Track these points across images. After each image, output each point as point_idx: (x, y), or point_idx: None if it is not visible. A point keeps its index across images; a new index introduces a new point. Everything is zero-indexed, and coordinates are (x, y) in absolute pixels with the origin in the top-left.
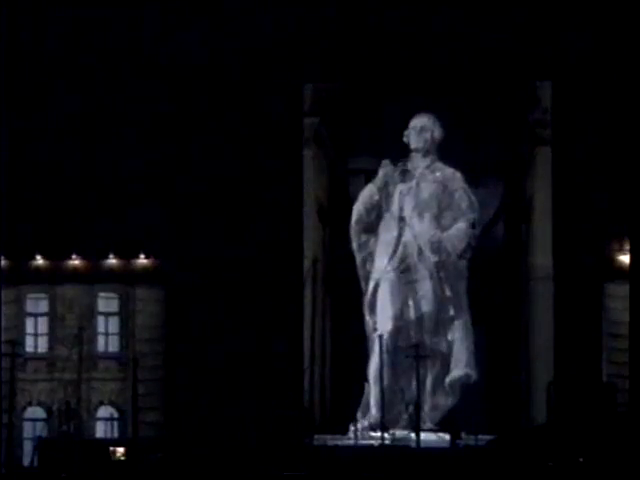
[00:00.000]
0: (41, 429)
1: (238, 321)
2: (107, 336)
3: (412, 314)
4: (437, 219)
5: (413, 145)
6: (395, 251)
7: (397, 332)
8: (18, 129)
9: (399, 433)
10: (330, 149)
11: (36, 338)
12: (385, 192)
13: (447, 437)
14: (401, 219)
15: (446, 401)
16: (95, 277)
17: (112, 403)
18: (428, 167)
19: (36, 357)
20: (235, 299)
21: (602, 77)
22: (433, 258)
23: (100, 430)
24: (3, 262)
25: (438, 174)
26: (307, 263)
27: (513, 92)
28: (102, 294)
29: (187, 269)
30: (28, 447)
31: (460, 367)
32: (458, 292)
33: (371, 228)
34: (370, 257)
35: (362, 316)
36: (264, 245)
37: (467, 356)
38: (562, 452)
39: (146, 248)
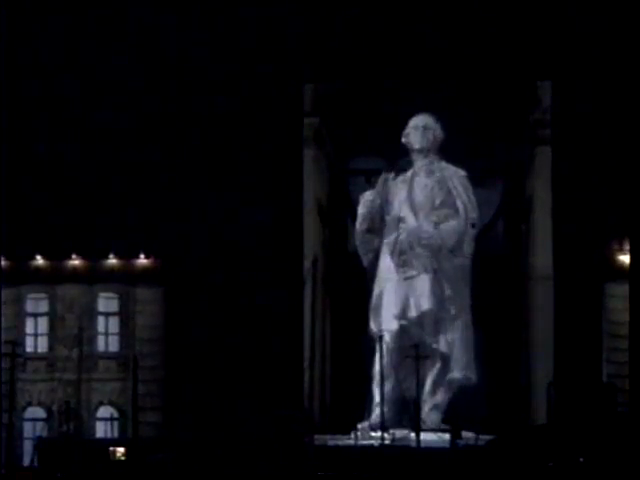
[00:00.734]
0: (41, 429)
1: (238, 321)
2: (107, 336)
3: (413, 312)
4: (431, 216)
5: (415, 145)
6: (394, 250)
7: (402, 331)
8: (18, 129)
9: (399, 433)
10: (330, 149)
11: (36, 338)
12: (385, 195)
13: (447, 437)
14: (400, 219)
15: (446, 401)
16: (95, 277)
17: (112, 403)
18: (428, 166)
19: (36, 357)
20: (235, 299)
21: (602, 77)
22: (423, 253)
23: (100, 430)
24: (3, 262)
25: (438, 173)
26: (307, 263)
27: (513, 92)
28: (102, 294)
29: (187, 269)
30: (28, 447)
31: (460, 369)
32: (458, 292)
33: (375, 230)
34: (376, 259)
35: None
36: (264, 245)
37: (467, 358)
38: (562, 452)
39: (146, 248)
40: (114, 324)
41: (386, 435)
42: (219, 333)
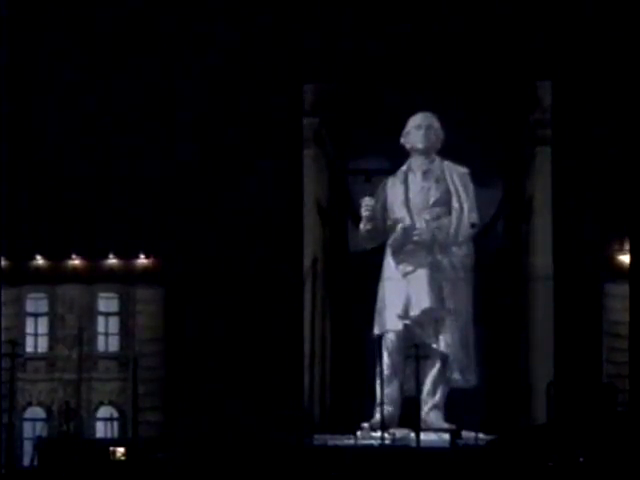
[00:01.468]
0: (41, 429)
1: (238, 321)
2: (107, 336)
3: (415, 310)
4: (424, 215)
5: (415, 144)
6: (392, 249)
7: (405, 331)
8: (18, 129)
9: (399, 433)
10: (330, 149)
11: (36, 338)
12: (385, 198)
13: (447, 437)
14: (398, 220)
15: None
16: (95, 277)
17: (112, 403)
18: (428, 166)
19: (36, 357)
20: (235, 299)
21: (602, 77)
22: (416, 249)
23: (100, 430)
24: (3, 262)
25: (437, 172)
26: (307, 263)
27: (513, 92)
28: (102, 294)
29: (187, 269)
30: (28, 447)
31: (459, 370)
32: (458, 291)
33: (379, 232)
34: (380, 260)
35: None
36: (264, 245)
37: (467, 359)
38: (562, 452)
39: (146, 248)
40: (114, 324)
41: (386, 435)
42: (219, 333)
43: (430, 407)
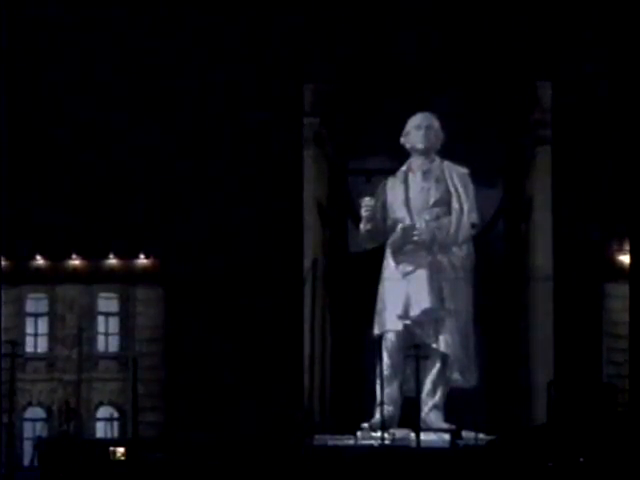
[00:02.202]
0: (41, 429)
1: (238, 321)
2: (107, 336)
3: (415, 310)
4: (424, 215)
5: (415, 144)
6: (392, 250)
7: (405, 331)
8: (18, 129)
9: (399, 433)
10: (330, 149)
11: (36, 338)
12: (384, 198)
13: (447, 437)
14: (398, 220)
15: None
16: (95, 277)
17: (112, 403)
18: (428, 166)
19: (36, 357)
20: (235, 299)
21: (602, 77)
22: (415, 249)
23: (100, 430)
24: (3, 262)
25: (437, 172)
26: (307, 263)
27: (513, 92)
28: (102, 294)
29: (187, 269)
30: (28, 447)
31: (459, 370)
32: (458, 291)
33: (379, 232)
34: (380, 261)
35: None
36: (264, 245)
37: (467, 360)
38: (562, 452)
39: (146, 248)
40: (114, 324)
41: (386, 435)
42: (219, 333)
43: (430, 407)
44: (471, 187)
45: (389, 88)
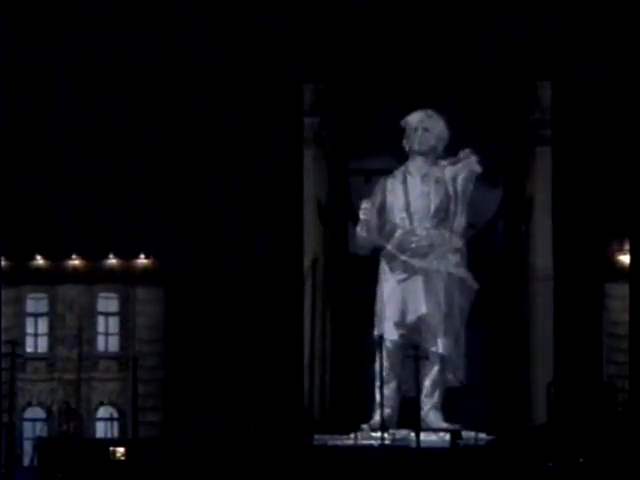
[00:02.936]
0: (41, 429)
1: (238, 321)
2: (107, 336)
3: (412, 317)
4: (425, 222)
5: (412, 146)
6: (393, 256)
7: (403, 337)
8: (18, 129)
9: (399, 433)
10: (330, 149)
11: (36, 338)
12: (383, 201)
13: (447, 437)
14: (397, 225)
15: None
16: (95, 277)
17: (112, 403)
18: (428, 169)
19: (36, 357)
20: (235, 299)
21: (602, 77)
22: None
23: (100, 430)
24: (3, 262)
25: (438, 174)
26: (307, 263)
27: (513, 92)
28: (102, 294)
29: (187, 269)
30: (28, 447)
31: (458, 371)
32: (455, 293)
33: (375, 235)
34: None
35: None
36: (264, 245)
37: (458, 360)
38: (562, 452)
39: (146, 248)
40: (114, 324)
41: (386, 435)
42: (219, 333)
43: (429, 408)
44: (470, 189)
45: (389, 88)
